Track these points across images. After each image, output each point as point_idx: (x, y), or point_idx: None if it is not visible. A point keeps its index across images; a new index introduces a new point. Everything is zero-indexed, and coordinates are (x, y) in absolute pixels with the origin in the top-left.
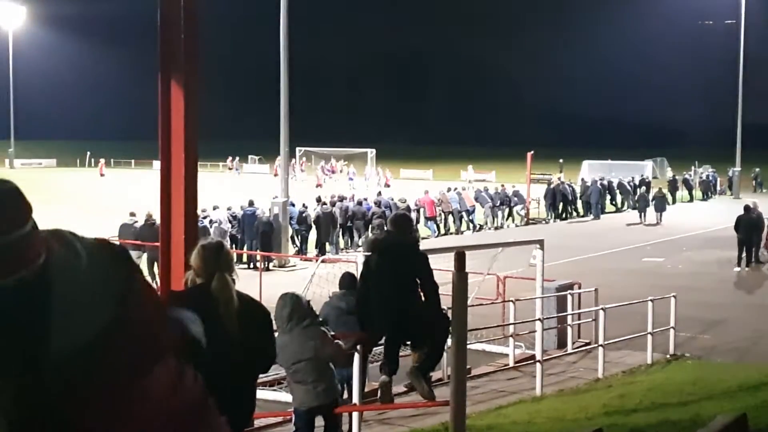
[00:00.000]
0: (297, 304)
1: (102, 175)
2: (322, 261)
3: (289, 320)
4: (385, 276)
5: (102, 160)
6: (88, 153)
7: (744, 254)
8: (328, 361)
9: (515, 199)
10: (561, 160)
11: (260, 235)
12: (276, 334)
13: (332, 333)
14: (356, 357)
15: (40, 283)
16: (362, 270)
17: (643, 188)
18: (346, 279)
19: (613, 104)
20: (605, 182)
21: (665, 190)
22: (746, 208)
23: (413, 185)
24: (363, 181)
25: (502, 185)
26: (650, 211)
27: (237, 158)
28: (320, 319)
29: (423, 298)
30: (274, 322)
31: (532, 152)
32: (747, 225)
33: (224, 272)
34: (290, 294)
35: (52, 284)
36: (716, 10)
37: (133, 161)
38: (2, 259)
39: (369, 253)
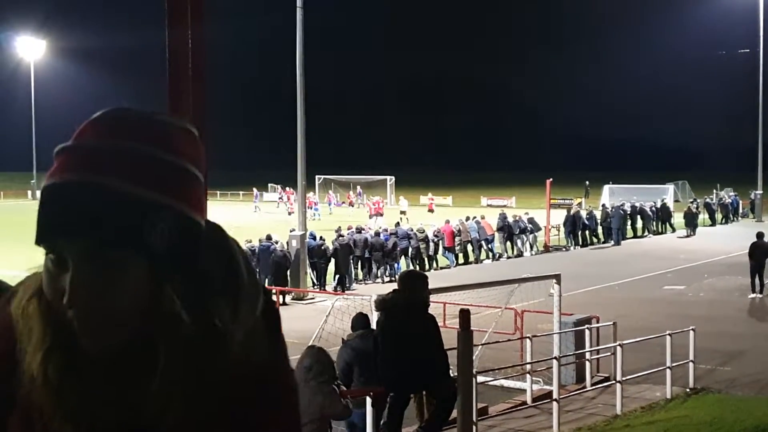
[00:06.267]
0: (319, 360)
1: None
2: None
3: (308, 371)
4: (391, 337)
5: None
6: None
7: (757, 281)
8: (331, 419)
9: (530, 226)
10: (587, 182)
11: (274, 268)
12: None
13: (342, 388)
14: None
15: None
16: (376, 329)
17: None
18: (360, 320)
19: (634, 128)
20: (626, 207)
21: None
22: (759, 235)
23: (434, 212)
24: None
25: (525, 212)
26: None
27: (255, 189)
28: (337, 378)
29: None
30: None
31: (551, 180)
32: (761, 251)
33: None
34: (316, 347)
35: None
36: (736, 35)
37: None
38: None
39: (378, 313)
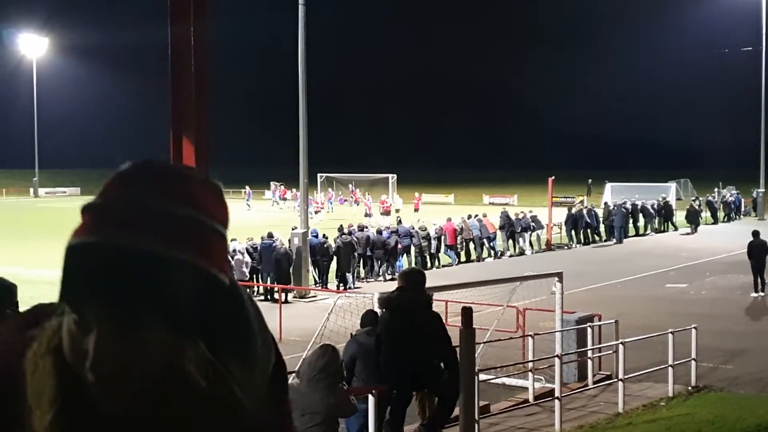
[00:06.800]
0: (334, 360)
1: None
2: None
3: (321, 371)
4: (395, 335)
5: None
6: None
7: (759, 279)
8: (340, 416)
9: (534, 224)
10: (590, 180)
11: (276, 266)
12: (295, 378)
13: (346, 387)
14: (371, 405)
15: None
16: (378, 327)
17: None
18: (369, 316)
19: (636, 126)
20: (628, 206)
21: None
22: (755, 233)
23: (435, 210)
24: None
25: (530, 210)
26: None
27: (247, 187)
28: (344, 377)
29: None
30: (301, 365)
31: (553, 177)
32: (759, 250)
33: None
34: (332, 348)
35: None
36: (738, 33)
37: None
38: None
39: (382, 311)
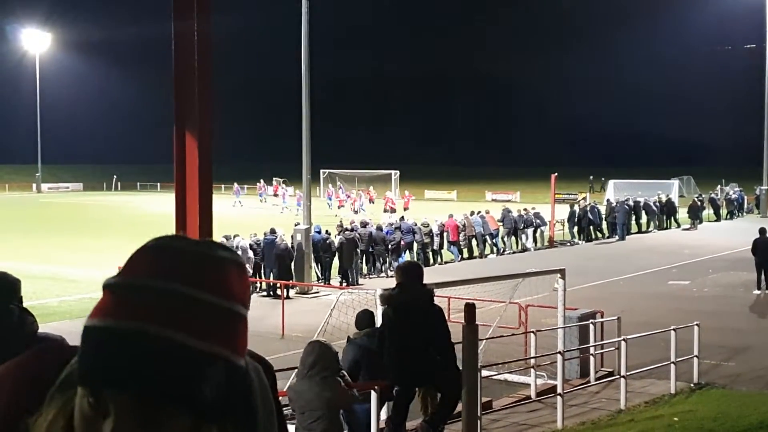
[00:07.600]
0: (323, 354)
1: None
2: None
3: (312, 367)
4: (398, 331)
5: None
6: (115, 177)
7: (763, 277)
8: (340, 408)
9: (537, 221)
10: (591, 177)
11: (277, 262)
12: (293, 378)
13: (347, 379)
14: (374, 402)
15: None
16: (381, 324)
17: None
18: (365, 317)
19: (639, 123)
20: (631, 203)
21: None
22: (762, 230)
23: (437, 206)
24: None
25: (533, 207)
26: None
27: (235, 184)
28: (341, 369)
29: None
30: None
31: (556, 174)
32: (765, 247)
33: None
34: (320, 343)
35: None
36: (742, 30)
37: (158, 185)
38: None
39: (384, 307)
